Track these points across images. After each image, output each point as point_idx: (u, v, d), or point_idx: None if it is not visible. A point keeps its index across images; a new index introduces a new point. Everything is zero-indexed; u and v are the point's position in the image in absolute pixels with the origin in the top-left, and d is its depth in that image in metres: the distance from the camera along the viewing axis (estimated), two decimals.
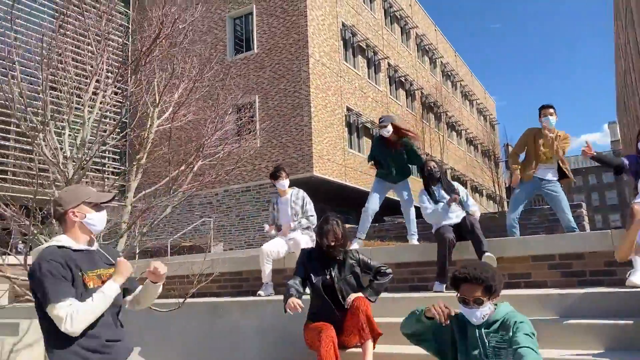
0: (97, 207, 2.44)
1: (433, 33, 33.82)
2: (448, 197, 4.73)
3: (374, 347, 3.23)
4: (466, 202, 4.79)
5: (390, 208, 9.26)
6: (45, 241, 5.00)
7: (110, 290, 2.29)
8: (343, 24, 22.03)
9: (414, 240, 5.73)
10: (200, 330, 4.93)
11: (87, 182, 4.86)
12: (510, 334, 2.45)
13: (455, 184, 4.99)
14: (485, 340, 2.53)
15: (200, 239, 17.11)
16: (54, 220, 4.77)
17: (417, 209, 5.24)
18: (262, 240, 18.03)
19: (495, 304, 2.62)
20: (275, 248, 5.21)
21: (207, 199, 19.78)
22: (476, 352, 2.54)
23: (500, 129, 51.40)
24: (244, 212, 19.31)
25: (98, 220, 2.43)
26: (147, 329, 4.93)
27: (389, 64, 26.04)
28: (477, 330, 2.57)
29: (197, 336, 4.92)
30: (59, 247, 2.31)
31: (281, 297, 4.82)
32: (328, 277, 3.59)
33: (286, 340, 4.18)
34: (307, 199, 5.39)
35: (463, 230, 4.51)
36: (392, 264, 4.96)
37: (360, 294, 3.47)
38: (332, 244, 3.63)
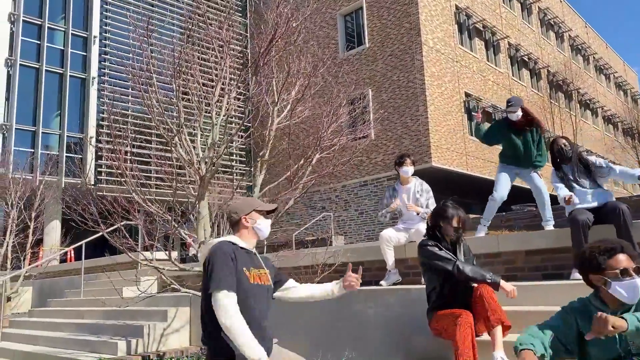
0: (265, 215, 2.80)
1: (558, 5, 31.04)
2: (583, 180, 4.31)
3: (503, 336, 3.07)
4: (612, 170, 4.31)
5: (518, 196, 8.73)
6: (186, 234, 5.55)
7: (252, 347, 2.40)
8: (457, 7, 21.16)
9: (549, 226, 5.32)
10: (325, 320, 5.08)
11: (217, 183, 5.26)
12: None
13: (593, 159, 4.48)
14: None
15: (322, 233, 17.65)
16: (191, 216, 5.26)
17: (553, 197, 4.84)
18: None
19: None
20: (396, 234, 5.18)
21: (327, 195, 20.29)
22: (615, 343, 2.23)
23: None
24: (363, 207, 19.48)
25: (265, 226, 2.79)
26: (277, 317, 5.21)
27: (509, 44, 24.46)
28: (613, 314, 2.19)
29: (323, 326, 5.08)
30: (231, 242, 2.64)
31: (405, 286, 4.81)
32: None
33: (412, 329, 4.15)
34: (431, 194, 5.29)
35: (606, 214, 4.06)
36: (521, 252, 4.72)
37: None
38: (459, 226, 3.53)
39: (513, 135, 5.44)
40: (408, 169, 5.30)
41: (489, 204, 5.61)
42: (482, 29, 22.62)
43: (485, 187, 21.82)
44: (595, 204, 4.19)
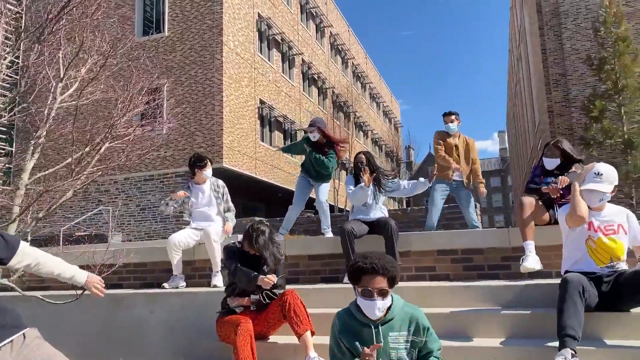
0: None
1: (346, 34, 34.58)
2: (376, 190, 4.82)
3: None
4: (401, 185, 4.91)
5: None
6: None
7: None
8: (259, 15, 21.78)
9: (328, 233, 5.82)
10: (99, 324, 4.62)
11: None
12: (422, 338, 2.47)
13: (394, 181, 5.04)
14: (388, 339, 2.46)
15: (95, 228, 16.05)
16: None
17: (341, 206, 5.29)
18: (164, 231, 17.33)
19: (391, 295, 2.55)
20: (185, 239, 5.01)
21: (105, 187, 18.60)
22: (376, 354, 2.42)
23: (404, 132, 53.94)
24: (146, 202, 18.43)
25: None
26: (36, 320, 4.53)
27: (303, 60, 26.20)
28: (373, 329, 2.47)
29: (96, 330, 4.61)
30: None
31: (193, 289, 4.68)
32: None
33: (196, 334, 4.06)
34: (226, 189, 5.29)
35: (379, 227, 4.62)
36: (304, 256, 5.05)
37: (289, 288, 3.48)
38: (252, 252, 3.58)
39: (312, 152, 5.80)
40: (209, 172, 5.22)
41: (288, 213, 5.92)
42: (280, 41, 23.74)
43: (271, 191, 22.86)
44: (373, 218, 4.74)
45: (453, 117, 5.77)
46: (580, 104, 16.80)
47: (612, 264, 3.13)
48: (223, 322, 3.37)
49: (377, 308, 2.43)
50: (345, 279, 4.49)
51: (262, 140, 21.41)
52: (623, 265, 3.16)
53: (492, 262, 4.43)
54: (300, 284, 4.74)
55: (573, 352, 2.66)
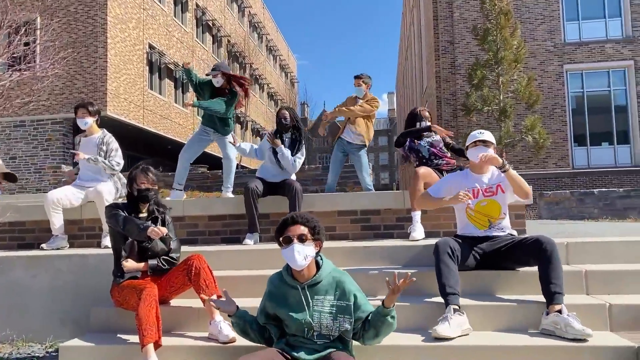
0: None
1: None
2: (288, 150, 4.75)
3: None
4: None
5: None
6: None
7: None
8: None
9: (228, 193, 5.68)
10: None
11: None
12: (350, 303, 2.51)
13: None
14: (311, 302, 2.49)
15: None
16: None
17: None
18: (39, 183, 15.82)
19: (321, 258, 2.62)
20: (65, 195, 4.57)
21: None
22: (301, 316, 2.47)
23: (300, 87, 53.91)
24: (16, 151, 16.61)
25: None
26: None
27: (197, 5, 24.71)
28: (300, 290, 2.51)
29: None
30: None
31: (80, 250, 4.32)
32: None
33: (87, 299, 3.80)
34: (115, 145, 4.78)
35: (283, 189, 4.62)
36: (204, 216, 4.91)
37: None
38: (142, 187, 3.36)
39: (215, 98, 5.50)
40: (85, 120, 4.71)
41: (178, 165, 5.62)
42: None
43: (160, 143, 21.75)
44: (276, 180, 4.71)
45: (359, 80, 5.75)
46: (464, 71, 17.97)
47: (492, 226, 3.41)
48: (122, 287, 3.17)
49: (296, 251, 2.46)
50: (246, 240, 4.46)
51: (151, 89, 20.12)
52: (506, 229, 3.45)
53: (388, 222, 4.68)
54: (199, 245, 4.63)
55: (456, 307, 2.92)
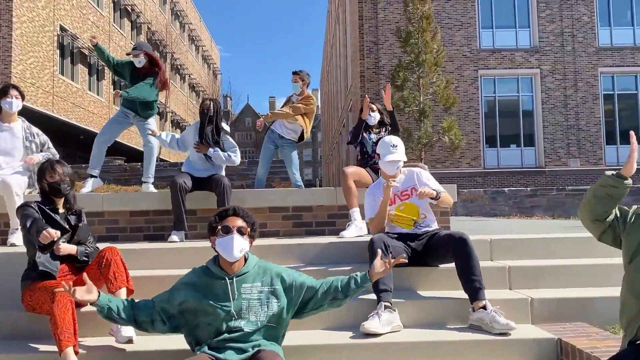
0: None
1: None
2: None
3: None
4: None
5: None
6: None
7: None
8: None
9: (150, 186, 5.36)
10: None
11: None
12: (278, 286, 2.49)
13: (230, 139, 4.73)
14: (238, 292, 2.45)
15: None
16: None
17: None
18: None
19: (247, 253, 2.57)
20: None
21: None
22: (227, 306, 2.41)
23: (223, 80, 52.76)
24: None
25: None
26: None
27: None
28: (227, 281, 2.46)
29: None
30: None
31: None
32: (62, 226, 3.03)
33: None
34: (44, 138, 4.40)
35: (210, 184, 4.44)
36: (125, 212, 4.61)
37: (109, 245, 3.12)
38: (51, 180, 3.09)
39: (135, 80, 5.17)
40: (16, 102, 4.27)
41: (94, 149, 5.23)
42: None
43: (71, 133, 20.39)
44: (205, 173, 4.51)
45: (297, 76, 5.66)
46: (387, 72, 18.47)
47: (417, 224, 3.51)
48: (35, 289, 2.88)
49: (235, 242, 2.43)
50: (172, 237, 4.25)
51: (62, 74, 18.75)
52: (432, 224, 3.56)
53: (320, 219, 4.66)
54: (120, 243, 4.33)
55: (387, 304, 2.96)
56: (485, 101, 19.77)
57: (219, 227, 2.49)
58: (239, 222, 2.50)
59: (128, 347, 2.82)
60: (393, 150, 3.56)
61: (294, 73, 5.62)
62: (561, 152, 19.24)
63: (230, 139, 4.72)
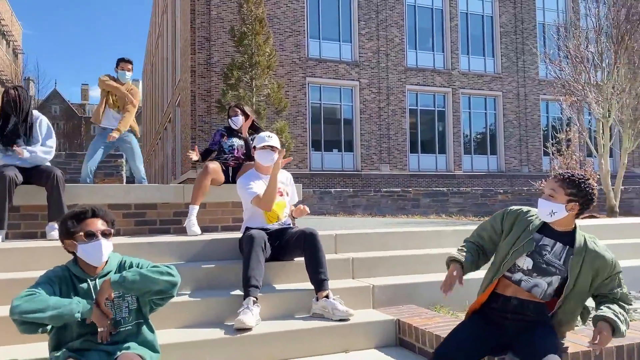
0: None
1: None
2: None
3: None
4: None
5: None
6: None
7: None
8: None
9: None
10: None
11: None
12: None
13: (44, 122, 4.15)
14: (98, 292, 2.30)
15: None
16: None
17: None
18: None
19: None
20: None
21: None
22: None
23: (25, 60, 45.93)
24: None
25: None
26: None
27: None
28: (89, 282, 2.32)
29: None
30: None
31: None
32: None
33: None
34: None
35: (39, 177, 3.95)
36: None
37: None
38: None
39: None
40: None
41: None
42: None
43: None
44: (29, 164, 3.99)
45: (128, 64, 5.37)
46: (220, 70, 18.34)
47: (278, 222, 3.68)
48: None
49: (102, 247, 2.30)
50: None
51: None
52: (288, 221, 3.77)
53: (165, 217, 4.49)
54: None
55: (254, 299, 3.06)
56: (311, 107, 20.94)
57: (81, 232, 2.31)
58: (100, 225, 2.35)
59: None
60: (268, 139, 3.69)
61: (126, 61, 5.35)
62: (375, 157, 21.40)
63: (46, 123, 4.17)
